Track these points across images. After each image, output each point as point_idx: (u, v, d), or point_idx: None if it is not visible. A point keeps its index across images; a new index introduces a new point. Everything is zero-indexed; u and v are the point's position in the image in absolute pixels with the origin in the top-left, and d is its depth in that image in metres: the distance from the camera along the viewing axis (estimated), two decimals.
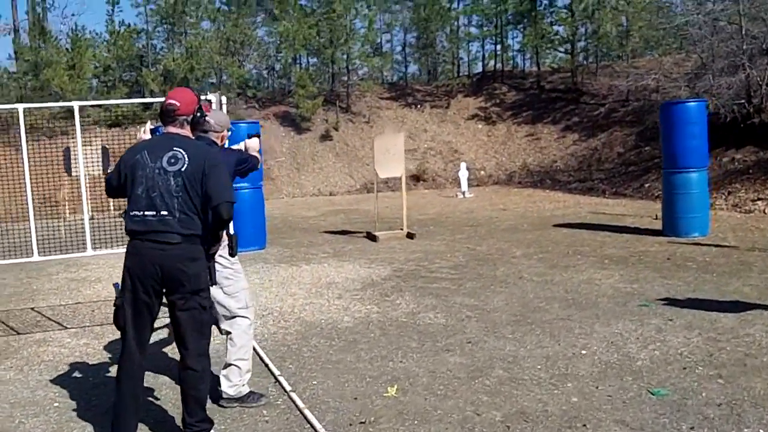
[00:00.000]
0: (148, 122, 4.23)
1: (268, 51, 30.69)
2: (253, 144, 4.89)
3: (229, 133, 4.76)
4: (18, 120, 6.53)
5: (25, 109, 6.62)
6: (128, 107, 22.92)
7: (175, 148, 3.76)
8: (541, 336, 5.86)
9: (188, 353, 3.82)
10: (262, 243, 11.49)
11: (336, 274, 9.00)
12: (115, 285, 3.86)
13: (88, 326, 6.99)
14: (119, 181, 3.84)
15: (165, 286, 3.72)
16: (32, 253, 6.76)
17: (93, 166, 12.22)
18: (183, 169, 3.70)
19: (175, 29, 28.70)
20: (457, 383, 4.81)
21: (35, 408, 4.72)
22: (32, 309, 7.95)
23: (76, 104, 6.90)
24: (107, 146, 14.57)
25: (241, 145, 4.93)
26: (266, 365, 5.36)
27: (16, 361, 5.89)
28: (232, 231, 4.97)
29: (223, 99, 6.42)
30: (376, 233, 11.97)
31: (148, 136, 4.18)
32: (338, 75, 29.67)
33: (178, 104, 3.84)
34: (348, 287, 8.15)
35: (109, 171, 4.24)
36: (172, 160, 3.72)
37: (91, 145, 13.50)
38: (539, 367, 5.09)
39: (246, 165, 4.70)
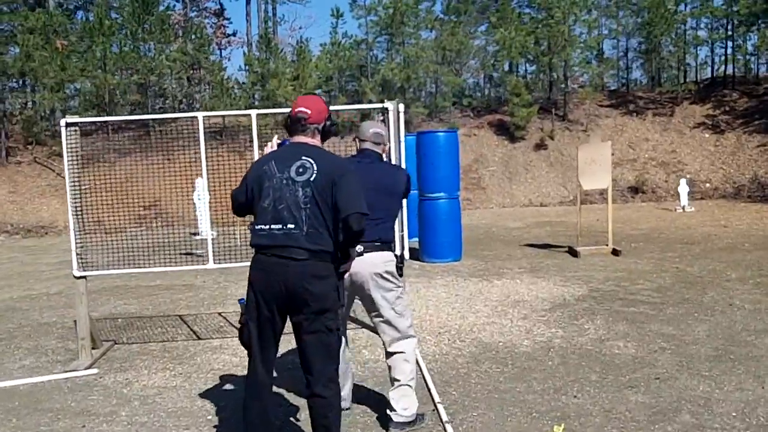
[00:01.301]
0: (275, 136, 3.94)
1: (485, 59, 30.43)
2: None
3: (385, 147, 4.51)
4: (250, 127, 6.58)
5: (257, 115, 6.73)
6: (348, 116, 23.61)
7: (303, 157, 3.55)
8: (743, 376, 5.05)
9: (314, 379, 3.57)
10: (457, 254, 11.20)
11: (527, 291, 8.49)
12: (241, 301, 3.70)
13: None
14: (246, 196, 3.66)
15: (289, 304, 3.51)
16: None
17: None
18: (312, 179, 3.48)
19: (393, 39, 29.32)
20: (633, 427, 4.21)
21: (188, 419, 4.74)
22: (219, 314, 8.22)
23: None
24: None
25: None
26: (428, 389, 5.03)
27: (187, 367, 6.05)
28: (398, 251, 4.64)
29: (401, 107, 6.19)
30: (578, 248, 11.24)
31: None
32: (556, 82, 28.75)
33: (309, 112, 3.64)
34: (536, 307, 7.62)
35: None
36: (301, 170, 3.52)
37: None
38: (734, 414, 4.35)
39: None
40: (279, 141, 3.89)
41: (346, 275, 3.83)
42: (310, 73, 27.27)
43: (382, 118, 6.45)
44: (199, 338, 7.16)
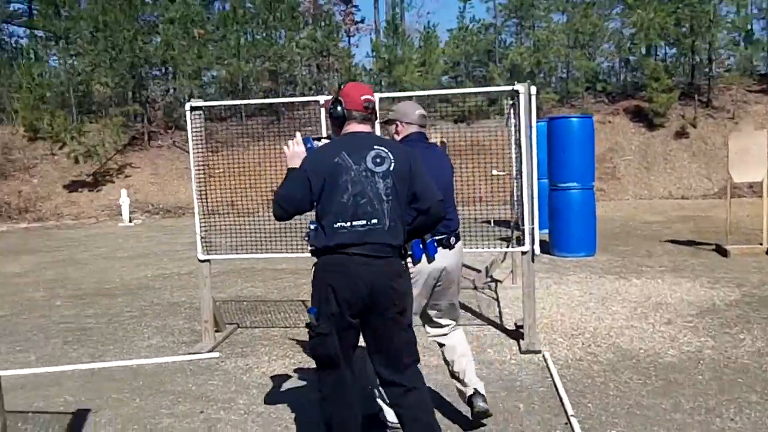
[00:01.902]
0: (298, 134, 3.66)
1: (620, 42, 29.03)
2: None
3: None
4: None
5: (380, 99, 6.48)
6: (475, 102, 23.05)
7: (376, 147, 3.37)
8: None
9: (405, 376, 3.40)
10: (591, 249, 10.56)
11: (669, 293, 7.79)
12: (311, 311, 3.33)
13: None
14: (309, 193, 3.33)
15: (372, 307, 3.26)
16: None
17: None
18: (391, 169, 3.31)
19: (523, 23, 28.46)
20: None
21: (305, 412, 4.54)
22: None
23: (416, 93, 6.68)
24: (444, 140, 14.79)
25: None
26: (560, 399, 4.60)
27: (307, 356, 5.88)
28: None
29: (533, 90, 5.72)
30: (727, 247, 10.33)
31: (302, 148, 3.59)
32: (699, 66, 27.03)
33: (374, 100, 3.52)
34: (681, 311, 6.95)
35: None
36: (377, 160, 3.32)
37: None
38: None
39: None
40: (304, 137, 3.62)
41: (435, 267, 3.93)
42: (437, 59, 26.91)
43: (512, 102, 6.10)
44: None
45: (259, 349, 6.29)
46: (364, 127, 3.49)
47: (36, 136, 25.01)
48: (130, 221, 19.63)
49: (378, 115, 3.66)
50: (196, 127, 6.57)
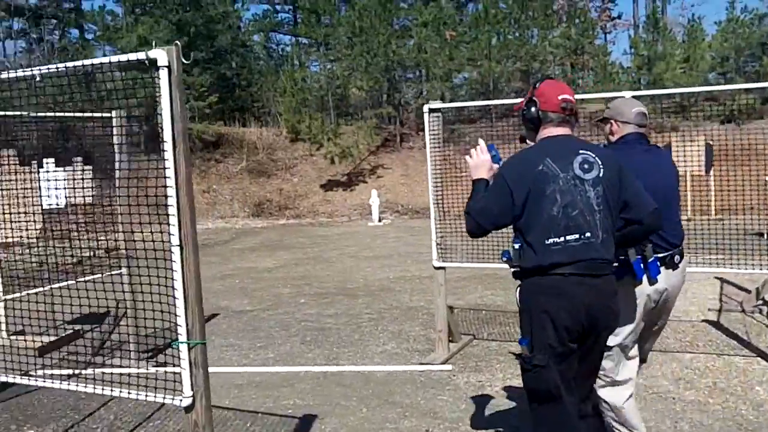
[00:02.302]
0: (481, 140, 3.30)
1: None
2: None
3: None
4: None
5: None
6: (746, 100, 20.91)
7: (582, 152, 3.03)
8: None
9: (589, 399, 3.23)
10: None
11: None
12: (523, 341, 3.00)
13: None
14: (511, 205, 2.97)
15: (589, 331, 2.96)
16: None
17: (692, 163, 11.29)
18: (601, 175, 2.98)
19: None
20: None
21: None
22: None
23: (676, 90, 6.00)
24: (711, 143, 13.42)
25: None
26: None
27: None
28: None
29: None
30: None
31: (488, 156, 3.23)
32: None
33: (574, 101, 3.12)
34: None
35: (478, 197, 3.19)
36: (585, 166, 2.98)
37: (692, 142, 12.54)
38: None
39: None
40: (488, 145, 3.27)
41: (656, 289, 3.50)
42: (702, 55, 24.79)
43: None
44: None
45: (494, 365, 5.95)
46: (563, 130, 3.13)
47: (297, 137, 26.68)
48: (380, 221, 20.18)
49: (578, 117, 3.26)
50: (433, 130, 6.38)
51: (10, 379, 3.99)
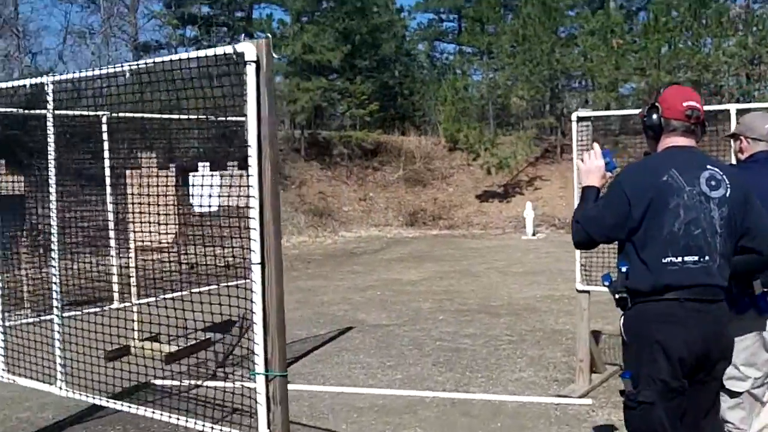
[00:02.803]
0: (596, 145, 3.06)
1: None
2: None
3: None
4: None
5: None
6: None
7: (709, 167, 2.77)
8: None
9: None
10: None
11: None
12: (625, 374, 2.76)
13: None
14: (624, 215, 2.72)
15: (703, 363, 2.69)
16: None
17: None
18: (728, 195, 2.72)
19: None
20: None
21: None
22: None
23: None
24: None
25: None
26: None
27: None
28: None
29: None
30: None
31: (601, 162, 2.97)
32: None
33: (701, 108, 2.83)
34: None
35: (584, 203, 2.95)
36: (713, 183, 2.72)
37: None
38: None
39: None
40: (603, 151, 3.01)
41: None
42: None
43: None
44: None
45: None
46: (688, 141, 2.85)
47: (455, 146, 26.35)
48: (534, 234, 19.43)
49: (705, 127, 2.96)
50: (581, 140, 5.83)
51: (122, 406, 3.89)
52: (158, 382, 6.17)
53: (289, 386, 5.95)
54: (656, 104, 2.88)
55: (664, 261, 2.66)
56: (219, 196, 7.53)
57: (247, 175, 2.56)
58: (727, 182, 2.74)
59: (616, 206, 2.76)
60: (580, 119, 5.85)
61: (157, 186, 6.70)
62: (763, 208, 2.83)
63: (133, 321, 7.29)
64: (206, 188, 10.57)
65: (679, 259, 2.65)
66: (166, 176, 6.99)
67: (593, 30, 26.05)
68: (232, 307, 4.08)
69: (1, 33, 22.53)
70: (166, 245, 7.07)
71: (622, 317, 2.79)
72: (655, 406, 2.65)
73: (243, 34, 30.18)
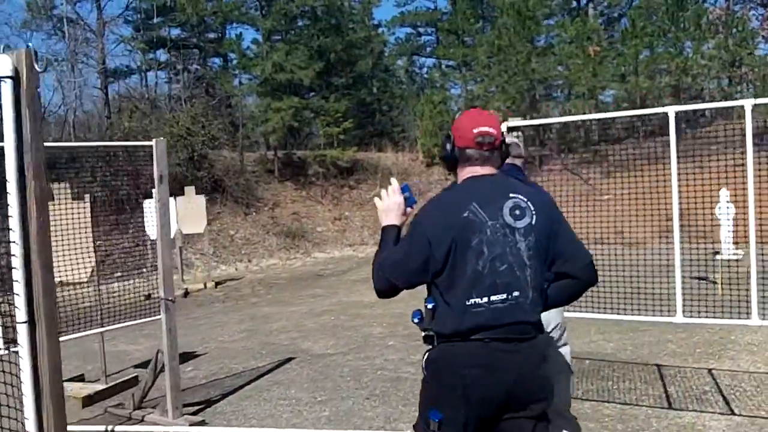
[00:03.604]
0: (393, 180, 2.85)
1: None
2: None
3: None
4: None
5: None
6: None
7: (512, 195, 2.55)
8: None
9: None
10: None
11: None
12: (433, 415, 2.46)
13: None
14: (426, 258, 2.47)
15: (512, 403, 2.46)
16: (675, 312, 4.91)
17: None
18: (533, 223, 2.52)
19: None
20: None
21: None
22: (709, 371, 6.19)
23: None
24: None
25: None
26: None
27: None
28: None
29: None
30: None
31: (400, 198, 2.75)
32: None
33: (495, 132, 2.61)
34: None
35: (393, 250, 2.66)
36: (516, 212, 2.52)
37: None
38: None
39: None
40: (401, 186, 2.80)
41: None
42: None
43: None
44: (670, 407, 5.34)
45: None
46: (487, 169, 2.63)
47: (432, 162, 25.97)
48: None
49: (509, 150, 2.84)
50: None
51: None
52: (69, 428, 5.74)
53: (205, 429, 5.57)
54: (450, 133, 2.68)
55: (468, 303, 2.42)
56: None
57: (5, 216, 2.12)
58: (532, 209, 2.54)
59: (417, 249, 2.50)
60: (510, 129, 5.43)
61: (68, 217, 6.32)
62: (570, 229, 2.66)
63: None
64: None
65: (485, 299, 2.42)
66: (83, 208, 6.59)
67: (570, 38, 25.80)
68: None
69: None
70: (80, 280, 6.65)
71: (426, 354, 2.56)
72: None
73: (215, 57, 30.00)
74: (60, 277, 6.36)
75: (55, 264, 6.14)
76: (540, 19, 27.85)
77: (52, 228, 6.17)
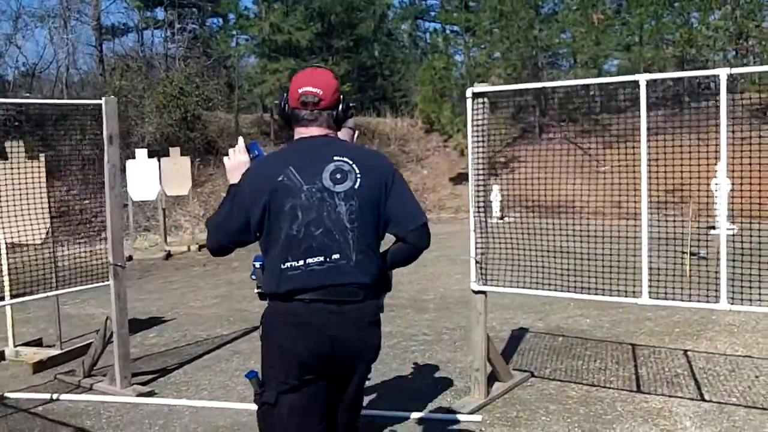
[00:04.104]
0: (240, 139, 2.86)
1: None
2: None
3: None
4: None
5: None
6: None
7: (336, 158, 2.56)
8: None
9: None
10: None
11: None
12: (251, 375, 2.58)
13: None
14: (246, 223, 2.52)
15: (338, 365, 2.53)
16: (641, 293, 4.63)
17: None
18: (356, 186, 2.53)
19: None
20: None
21: None
22: (685, 352, 6.01)
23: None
24: None
25: None
26: None
27: None
28: None
29: None
30: None
31: (245, 157, 2.74)
32: None
33: (320, 93, 2.58)
34: None
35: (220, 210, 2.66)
36: (338, 176, 2.53)
37: None
38: None
39: None
40: (248, 143, 2.80)
41: None
42: None
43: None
44: (639, 390, 5.11)
45: (539, 417, 4.69)
46: (319, 130, 2.62)
47: (431, 128, 25.65)
48: (501, 218, 18.72)
49: (342, 113, 2.69)
50: (478, 118, 5.11)
51: None
52: (13, 395, 5.55)
53: (153, 400, 5.35)
54: (285, 93, 2.70)
55: (283, 267, 2.48)
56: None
57: None
58: (357, 172, 2.55)
59: (237, 211, 2.55)
60: (475, 95, 5.13)
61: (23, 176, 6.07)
62: (410, 194, 2.67)
63: (5, 324, 6.67)
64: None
65: (301, 262, 2.47)
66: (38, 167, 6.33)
67: (575, 5, 25.27)
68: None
69: None
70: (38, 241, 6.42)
71: (263, 314, 2.62)
72: (278, 407, 2.49)
73: (214, 17, 29.50)
74: (12, 238, 6.16)
75: (6, 225, 5.92)
76: None
77: (2, 188, 5.93)
